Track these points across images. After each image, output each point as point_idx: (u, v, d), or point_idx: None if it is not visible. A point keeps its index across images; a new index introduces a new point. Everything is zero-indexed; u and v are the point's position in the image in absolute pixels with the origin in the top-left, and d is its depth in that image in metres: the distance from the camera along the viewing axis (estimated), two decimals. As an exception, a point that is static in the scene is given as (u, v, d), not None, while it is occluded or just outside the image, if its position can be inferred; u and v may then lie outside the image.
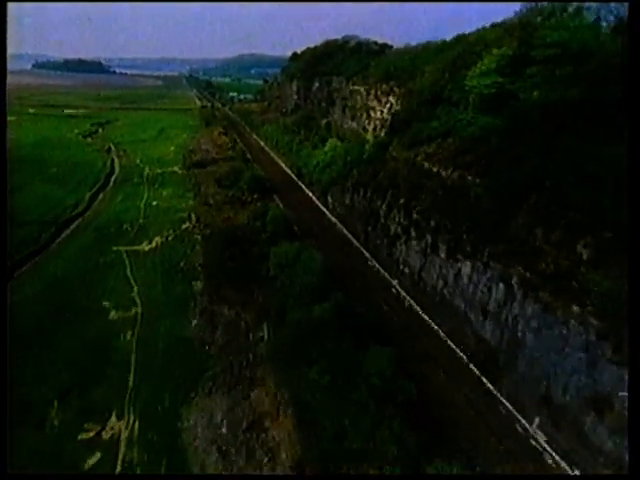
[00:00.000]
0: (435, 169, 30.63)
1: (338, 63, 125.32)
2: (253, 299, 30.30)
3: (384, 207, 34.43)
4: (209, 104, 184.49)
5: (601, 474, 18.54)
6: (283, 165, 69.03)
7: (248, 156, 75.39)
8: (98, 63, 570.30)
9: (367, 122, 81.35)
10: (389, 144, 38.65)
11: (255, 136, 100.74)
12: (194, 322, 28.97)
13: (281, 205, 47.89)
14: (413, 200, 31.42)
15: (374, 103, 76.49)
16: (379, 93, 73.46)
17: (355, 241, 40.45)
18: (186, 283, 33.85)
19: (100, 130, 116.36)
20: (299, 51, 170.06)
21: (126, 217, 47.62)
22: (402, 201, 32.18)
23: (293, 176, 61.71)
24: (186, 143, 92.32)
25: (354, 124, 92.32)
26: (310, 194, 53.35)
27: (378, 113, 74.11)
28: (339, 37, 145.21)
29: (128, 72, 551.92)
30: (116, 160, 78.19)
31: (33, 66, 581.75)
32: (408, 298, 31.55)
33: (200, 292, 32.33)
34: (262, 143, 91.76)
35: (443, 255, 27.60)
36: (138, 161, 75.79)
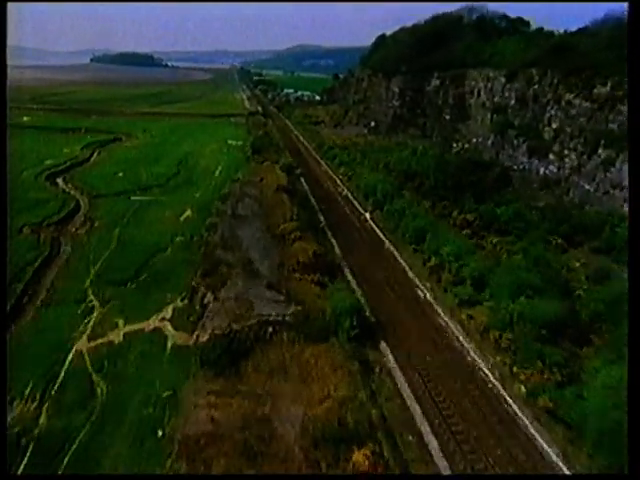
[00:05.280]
0: None
1: (466, 48, 76.81)
2: None
3: None
4: (260, 108, 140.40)
5: (601, 474, 15.38)
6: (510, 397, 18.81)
7: (365, 309, 26.29)
8: (150, 56, 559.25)
9: None
10: None
11: (346, 191, 52.02)
12: None
13: None
14: None
15: None
16: None
17: None
18: None
19: (95, 155, 75.20)
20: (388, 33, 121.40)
21: None
22: None
23: None
24: (213, 199, 47.83)
25: (536, 163, 43.55)
26: None
27: None
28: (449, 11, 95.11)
29: (180, 65, 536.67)
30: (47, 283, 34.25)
31: (91, 60, 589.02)
32: None
33: None
34: (369, 219, 42.65)
35: None
36: (88, 283, 31.43)
